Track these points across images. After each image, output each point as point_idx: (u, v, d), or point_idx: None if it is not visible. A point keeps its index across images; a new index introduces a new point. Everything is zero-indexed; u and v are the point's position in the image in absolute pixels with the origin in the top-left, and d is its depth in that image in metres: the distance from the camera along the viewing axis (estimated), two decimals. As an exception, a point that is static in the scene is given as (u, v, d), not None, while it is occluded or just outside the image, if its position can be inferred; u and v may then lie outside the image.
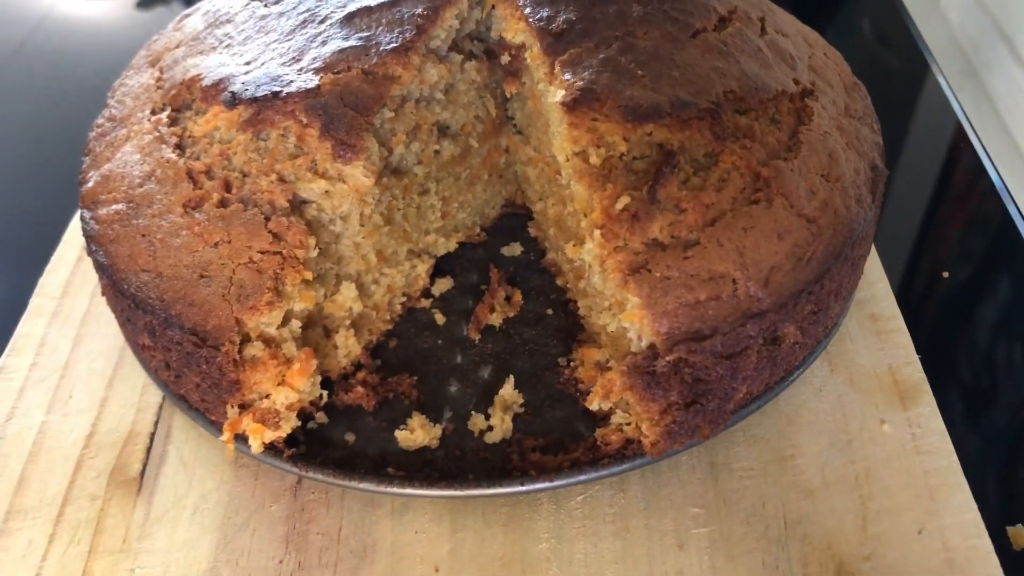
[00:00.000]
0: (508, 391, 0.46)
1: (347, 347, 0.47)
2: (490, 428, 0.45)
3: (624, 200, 0.39)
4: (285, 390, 0.42)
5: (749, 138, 0.43)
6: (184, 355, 0.42)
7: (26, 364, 0.49)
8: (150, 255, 0.43)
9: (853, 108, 0.50)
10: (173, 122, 0.46)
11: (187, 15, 0.56)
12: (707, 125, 0.41)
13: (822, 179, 0.43)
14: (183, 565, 0.41)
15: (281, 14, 0.47)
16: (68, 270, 0.54)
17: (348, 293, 0.46)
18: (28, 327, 0.51)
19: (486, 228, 0.56)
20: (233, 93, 0.43)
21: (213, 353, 0.40)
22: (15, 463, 0.44)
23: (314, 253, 0.42)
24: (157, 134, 0.46)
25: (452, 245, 0.54)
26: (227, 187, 0.42)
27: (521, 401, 0.46)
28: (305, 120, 0.42)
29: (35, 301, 0.52)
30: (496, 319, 0.50)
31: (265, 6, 0.49)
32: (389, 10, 0.45)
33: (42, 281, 0.53)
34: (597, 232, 0.40)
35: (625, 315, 0.40)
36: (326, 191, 0.42)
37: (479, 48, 0.50)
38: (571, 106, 0.40)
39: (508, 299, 0.51)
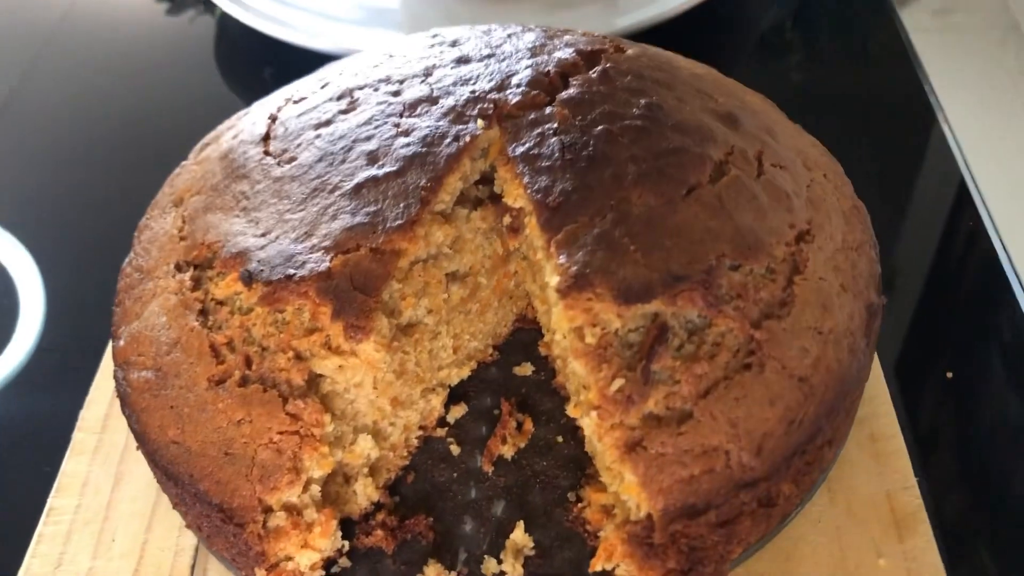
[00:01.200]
0: (519, 535, 0.48)
1: (366, 492, 0.50)
2: (503, 573, 0.48)
3: (619, 382, 0.41)
4: (308, 552, 0.45)
5: (742, 297, 0.44)
6: (213, 526, 0.45)
7: (72, 506, 0.52)
8: (179, 428, 0.46)
9: (851, 238, 0.51)
10: (196, 284, 0.49)
11: (206, 144, 0.59)
12: (700, 295, 0.43)
13: (815, 333, 0.45)
14: None
15: (293, 178, 0.49)
16: (106, 402, 0.57)
17: (365, 444, 0.48)
18: (73, 465, 0.54)
19: (498, 346, 0.58)
20: (250, 273, 0.46)
21: (239, 530, 0.43)
22: (67, 612, 0.48)
23: (330, 428, 0.44)
24: (181, 296, 0.49)
25: (465, 373, 0.56)
26: (248, 363, 0.45)
27: (531, 544, 0.49)
28: (318, 301, 0.44)
29: (77, 436, 0.56)
30: (508, 450, 0.53)
31: (278, 164, 0.51)
32: (395, 180, 0.47)
33: (83, 415, 0.57)
34: (593, 413, 0.42)
35: (623, 487, 0.42)
36: (339, 366, 0.45)
37: (485, 192, 0.52)
38: (565, 292, 0.42)
39: (519, 427, 0.54)
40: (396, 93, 0.52)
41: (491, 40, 0.56)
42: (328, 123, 0.52)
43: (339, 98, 0.53)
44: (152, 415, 0.47)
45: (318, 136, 0.51)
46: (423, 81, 0.52)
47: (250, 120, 0.57)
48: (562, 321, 0.43)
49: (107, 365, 0.59)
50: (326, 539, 0.45)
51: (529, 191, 0.45)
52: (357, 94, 0.53)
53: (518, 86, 0.50)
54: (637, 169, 0.46)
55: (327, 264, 0.45)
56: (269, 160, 0.51)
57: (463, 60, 0.53)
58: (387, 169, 0.47)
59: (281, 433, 0.43)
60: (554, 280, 0.43)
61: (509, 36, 0.56)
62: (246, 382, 0.45)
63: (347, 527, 0.49)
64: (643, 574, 0.42)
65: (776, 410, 0.43)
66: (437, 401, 0.54)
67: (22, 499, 0.55)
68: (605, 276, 0.42)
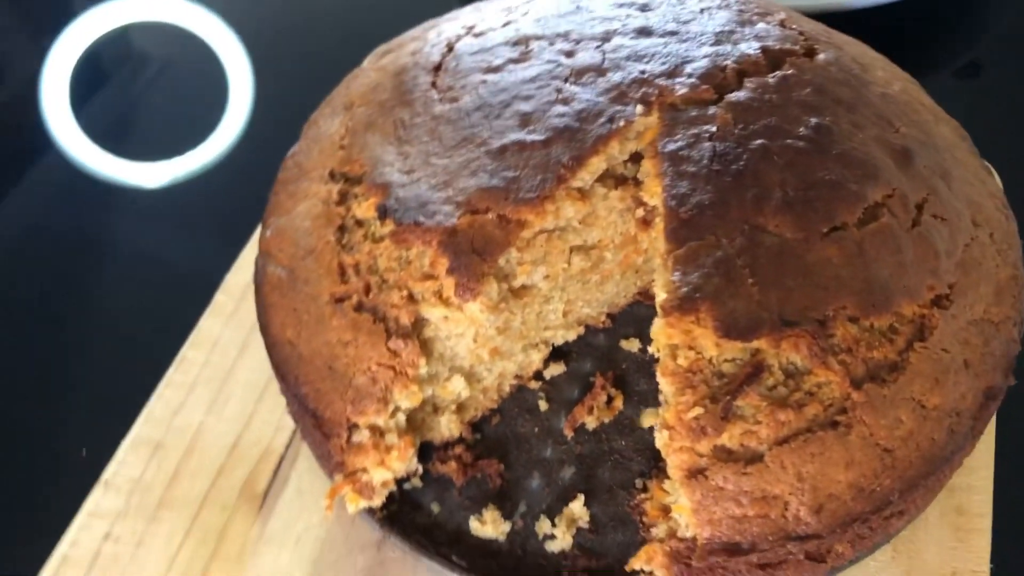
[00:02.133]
0: (577, 507, 0.51)
1: (450, 425, 0.53)
2: (553, 536, 0.50)
3: (697, 410, 0.42)
4: (383, 470, 0.49)
5: (852, 352, 0.43)
6: (306, 426, 0.49)
7: (201, 361, 0.59)
8: (296, 331, 0.50)
9: (994, 312, 0.48)
10: (342, 198, 0.52)
11: (388, 52, 0.61)
12: (807, 343, 0.42)
13: (917, 406, 0.44)
14: (273, 590, 0.50)
15: (449, 121, 0.50)
16: (249, 273, 0.62)
17: (457, 384, 0.51)
18: (209, 323, 0.60)
19: (612, 315, 0.59)
20: (385, 208, 0.48)
21: (325, 439, 0.48)
22: (174, 456, 0.55)
23: (424, 370, 0.47)
24: (327, 207, 0.52)
25: (572, 336, 0.57)
26: (367, 290, 0.48)
27: (587, 518, 0.51)
28: (439, 252, 0.46)
29: (219, 298, 0.61)
30: (592, 421, 0.54)
31: (440, 101, 0.52)
32: (540, 150, 0.47)
33: (228, 278, 0.62)
34: (665, 431, 0.43)
35: (676, 506, 0.44)
36: (445, 316, 0.47)
37: (632, 171, 0.51)
38: (668, 311, 0.42)
39: (609, 401, 0.55)
40: (569, 54, 0.52)
41: (681, 13, 0.54)
42: (496, 70, 0.52)
43: (515, 44, 0.53)
44: (276, 312, 0.51)
45: (483, 82, 0.51)
46: (598, 47, 0.52)
47: (432, 39, 0.58)
48: (660, 336, 0.43)
49: (255, 240, 0.64)
50: (402, 463, 0.49)
51: (666, 194, 0.45)
52: (532, 45, 0.53)
53: (689, 76, 0.49)
54: (783, 196, 0.45)
55: (454, 221, 0.46)
56: (434, 94, 0.53)
57: (644, 32, 0.52)
58: (535, 137, 0.48)
59: (379, 364, 0.47)
60: (661, 296, 0.43)
61: (702, 11, 0.54)
62: (360, 308, 0.48)
63: (426, 450, 0.53)
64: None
65: (849, 475, 0.42)
66: (537, 357, 0.56)
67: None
68: (714, 304, 0.42)
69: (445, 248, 0.46)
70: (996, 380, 0.47)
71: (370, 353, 0.47)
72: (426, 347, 0.48)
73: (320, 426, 0.48)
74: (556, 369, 0.57)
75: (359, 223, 0.50)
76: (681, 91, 0.48)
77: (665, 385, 0.43)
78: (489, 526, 0.50)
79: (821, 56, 0.52)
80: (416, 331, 0.47)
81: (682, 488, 0.42)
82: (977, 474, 0.53)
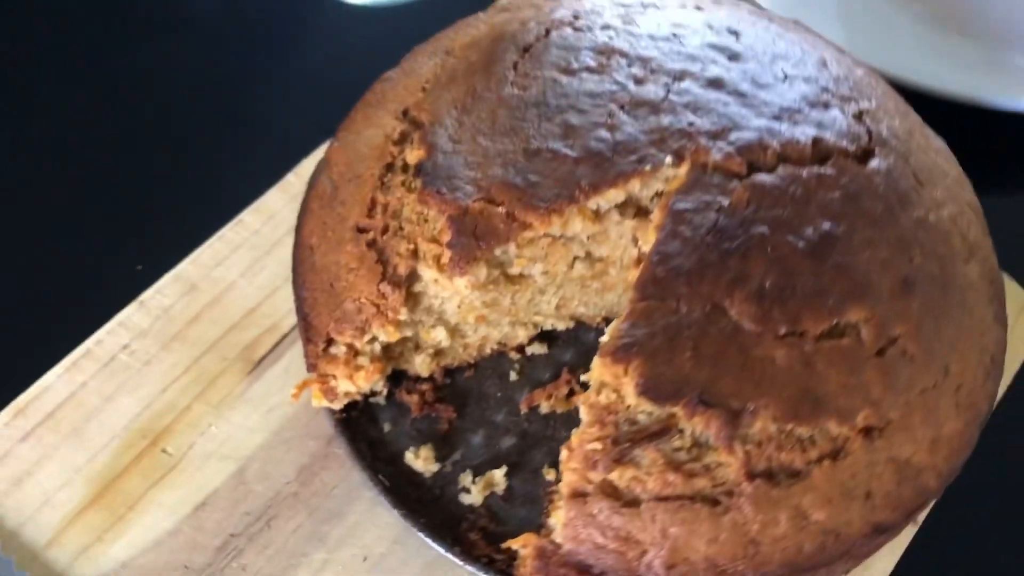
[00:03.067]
0: (499, 475, 0.57)
1: (425, 364, 0.59)
2: (469, 491, 0.57)
3: (596, 445, 0.47)
4: (348, 383, 0.56)
5: (760, 447, 0.47)
6: (299, 323, 0.57)
7: (254, 228, 0.66)
8: (318, 242, 0.56)
9: (922, 458, 0.50)
10: (402, 138, 0.57)
11: (504, 9, 0.64)
12: (718, 424, 0.46)
13: (799, 514, 0.47)
14: (237, 444, 0.58)
15: (508, 108, 0.54)
16: (320, 163, 0.69)
17: (439, 334, 0.57)
18: (272, 199, 0.68)
19: (609, 319, 0.63)
20: (421, 167, 0.53)
21: (307, 341, 0.55)
22: (202, 300, 0.63)
23: (404, 317, 0.53)
24: (386, 142, 0.57)
25: (562, 326, 0.62)
26: (384, 231, 0.54)
27: (504, 486, 0.57)
28: (446, 224, 0.51)
29: (288, 178, 0.69)
30: (547, 406, 0.60)
31: (512, 85, 0.56)
32: (567, 165, 0.51)
33: (303, 162, 0.69)
34: (565, 451, 0.48)
35: (556, 514, 0.49)
36: (435, 279, 0.53)
37: (653, 207, 0.55)
38: (604, 353, 0.47)
39: (569, 395, 0.60)
40: (639, 81, 0.54)
41: (763, 75, 0.55)
42: (570, 73, 0.55)
43: (599, 52, 0.56)
44: (311, 218, 0.58)
45: (554, 81, 0.55)
46: (666, 84, 0.54)
47: (542, 15, 0.61)
48: (594, 370, 0.48)
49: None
50: (367, 383, 0.56)
51: (654, 249, 0.49)
52: (613, 60, 0.56)
53: (731, 143, 0.51)
54: (759, 287, 0.48)
55: (468, 202, 0.51)
56: (511, 74, 0.56)
57: (716, 84, 0.54)
58: (568, 152, 0.51)
59: (367, 299, 0.53)
60: (605, 337, 0.48)
61: (786, 78, 0.55)
62: (372, 245, 0.54)
63: (400, 375, 0.60)
64: (530, 576, 0.49)
65: (710, 549, 0.47)
66: (523, 334, 0.61)
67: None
68: (645, 363, 0.46)
69: (452, 223, 0.51)
70: (893, 519, 0.49)
71: (363, 287, 0.53)
72: (414, 298, 0.54)
73: (306, 329, 0.55)
74: (538, 349, 0.62)
75: (404, 168, 0.55)
76: (716, 156, 0.51)
77: (583, 412, 0.48)
78: (421, 461, 0.57)
79: (873, 163, 0.53)
80: (408, 282, 0.53)
81: (564, 502, 0.48)
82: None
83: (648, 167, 0.51)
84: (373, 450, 0.58)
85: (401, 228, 0.53)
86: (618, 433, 0.47)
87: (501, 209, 0.51)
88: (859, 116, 0.55)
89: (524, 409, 0.60)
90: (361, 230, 0.54)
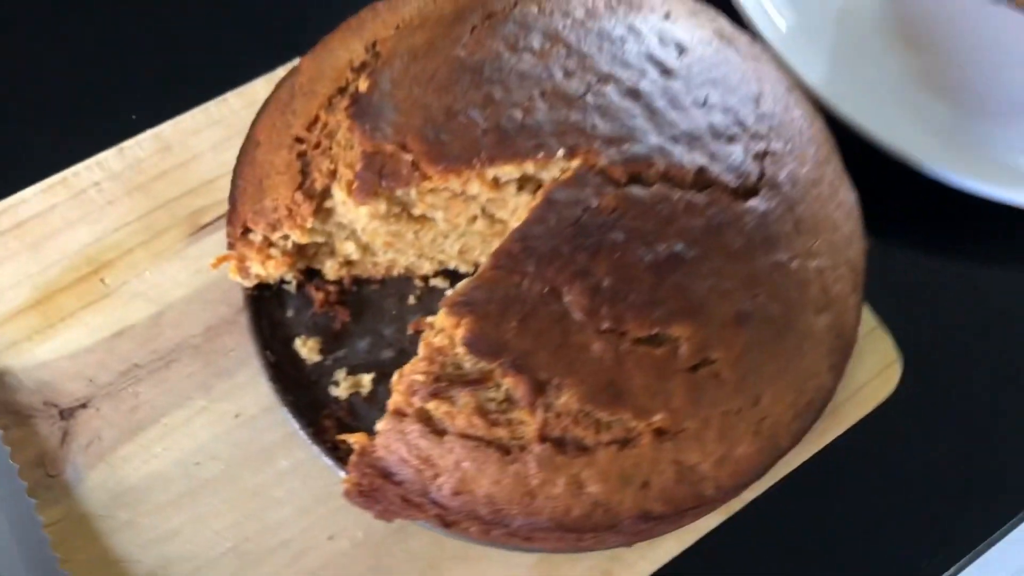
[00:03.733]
0: (368, 379, 0.65)
1: (335, 270, 0.67)
2: (338, 384, 0.65)
3: (420, 377, 0.55)
4: (258, 267, 0.64)
5: (559, 418, 0.54)
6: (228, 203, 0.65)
7: (235, 108, 0.74)
8: (265, 139, 0.64)
9: (705, 468, 0.56)
10: (362, 67, 0.64)
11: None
12: (525, 388, 0.53)
13: (576, 483, 0.54)
14: (163, 291, 0.68)
15: (450, 66, 0.60)
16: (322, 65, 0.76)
17: (349, 247, 0.65)
18: (258, 86, 0.75)
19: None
20: (355, 99, 0.60)
21: (228, 223, 0.63)
22: (171, 161, 0.71)
23: (310, 225, 0.61)
24: (347, 68, 0.64)
25: (466, 269, 0.69)
26: (316, 146, 0.61)
27: (369, 389, 0.65)
28: (359, 157, 0.58)
29: (278, 71, 0.76)
30: (430, 334, 0.67)
31: (463, 45, 0.61)
32: (475, 132, 0.57)
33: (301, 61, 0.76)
34: (396, 374, 0.56)
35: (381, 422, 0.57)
36: (343, 201, 0.60)
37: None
38: (445, 303, 0.54)
39: (448, 330, 0.67)
40: (568, 74, 0.59)
41: (684, 99, 0.60)
42: (515, 50, 0.60)
43: (546, 37, 0.61)
44: (266, 116, 0.65)
45: (497, 55, 0.60)
46: (590, 84, 0.59)
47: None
48: (438, 316, 0.55)
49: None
50: (276, 272, 0.64)
51: (520, 228, 0.55)
52: (556, 48, 0.60)
53: (621, 153, 0.56)
54: (597, 284, 0.54)
55: (384, 143, 0.58)
56: (465, 38, 0.61)
57: (634, 94, 0.59)
58: (479, 122, 0.57)
59: (283, 203, 0.60)
60: (452, 290, 0.55)
61: (705, 104, 0.60)
62: (302, 156, 0.61)
63: (314, 272, 0.68)
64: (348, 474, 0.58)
65: (492, 488, 0.54)
66: (428, 267, 0.68)
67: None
68: (475, 322, 0.53)
69: (364, 157, 0.58)
70: (663, 511, 0.56)
71: (283, 191, 0.61)
72: (325, 212, 0.61)
73: (231, 212, 0.63)
74: (440, 283, 0.69)
75: (352, 95, 0.62)
76: (603, 161, 0.56)
77: (420, 348, 0.56)
78: (306, 350, 0.66)
79: (752, 202, 0.58)
80: (321, 197, 0.60)
81: (386, 417, 0.56)
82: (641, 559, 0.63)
83: (542, 154, 0.56)
84: (272, 329, 0.66)
85: (330, 148, 0.60)
86: (442, 372, 0.54)
87: (408, 157, 0.57)
88: (760, 155, 0.60)
89: (411, 331, 0.67)
90: (298, 140, 0.62)
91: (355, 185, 0.58)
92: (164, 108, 0.74)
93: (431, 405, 0.54)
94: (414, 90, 0.60)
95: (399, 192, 0.58)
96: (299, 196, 0.60)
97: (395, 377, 0.56)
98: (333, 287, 0.68)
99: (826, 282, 0.61)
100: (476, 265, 0.69)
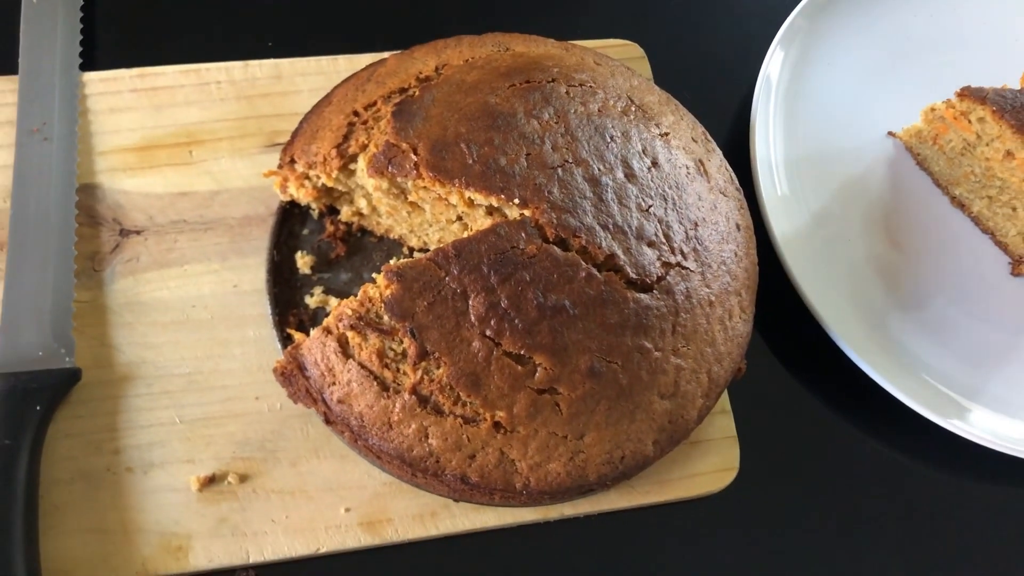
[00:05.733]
0: (332, 301, 0.85)
1: (348, 215, 0.87)
2: (312, 295, 0.85)
3: (348, 312, 0.74)
4: (295, 188, 0.84)
5: (432, 383, 0.72)
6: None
7: (343, 70, 0.95)
8: (337, 103, 0.83)
9: (522, 466, 0.74)
10: (425, 79, 0.83)
11: (591, 55, 0.87)
12: (414, 352, 0.72)
13: (421, 430, 0.73)
14: (227, 174, 0.89)
15: (480, 107, 0.79)
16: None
17: (362, 203, 0.84)
18: (363, 59, 0.96)
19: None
20: (400, 102, 0.79)
21: (283, 150, 0.84)
22: (283, 86, 0.93)
23: (335, 176, 0.80)
24: (410, 76, 0.83)
25: (441, 254, 0.87)
26: (364, 122, 0.81)
27: (330, 308, 0.85)
28: (384, 145, 0.78)
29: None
30: (394, 289, 0.86)
31: (497, 94, 0.80)
32: (467, 163, 0.76)
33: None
34: (335, 304, 0.75)
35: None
36: (362, 169, 0.79)
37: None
38: (383, 269, 0.73)
39: (412, 294, 0.86)
40: (555, 148, 0.77)
41: (635, 201, 0.77)
42: (529, 115, 0.78)
43: (557, 113, 0.79)
44: (348, 86, 0.84)
45: (514, 113, 0.78)
46: (566, 162, 0.76)
47: (578, 71, 0.84)
48: (380, 275, 0.74)
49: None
50: (305, 198, 0.83)
51: (464, 239, 0.73)
52: (559, 125, 0.78)
53: (559, 220, 0.73)
54: (495, 302, 0.71)
55: (403, 141, 0.77)
56: (504, 91, 0.80)
57: (593, 182, 0.76)
58: (472, 155, 0.75)
59: (323, 153, 0.80)
60: (391, 262, 0.74)
61: (649, 213, 0.77)
62: (351, 125, 0.80)
63: (336, 210, 0.88)
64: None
65: (364, 409, 0.73)
66: (415, 241, 0.87)
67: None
68: (399, 290, 0.71)
69: (385, 146, 0.77)
70: (478, 483, 0.74)
71: (327, 144, 0.80)
72: (349, 172, 0.81)
73: (289, 143, 0.83)
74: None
75: (403, 98, 0.81)
76: (543, 219, 0.74)
77: (359, 290, 0.75)
78: (302, 262, 0.86)
79: (643, 295, 0.74)
80: (349, 160, 0.80)
81: (318, 327, 0.75)
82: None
83: (503, 196, 0.74)
84: (288, 236, 0.87)
85: (372, 128, 0.80)
86: (365, 315, 0.73)
87: (414, 157, 0.76)
88: (670, 266, 0.76)
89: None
90: (355, 112, 0.81)
91: (371, 161, 0.77)
92: (295, 47, 0.95)
93: (350, 334, 0.73)
94: (445, 112, 0.78)
95: (399, 179, 0.77)
96: (334, 152, 0.79)
97: (332, 305, 0.76)
98: (343, 226, 0.87)
99: (680, 379, 0.76)
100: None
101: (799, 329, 0.90)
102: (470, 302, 0.71)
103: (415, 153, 0.76)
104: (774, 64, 0.95)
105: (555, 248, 0.73)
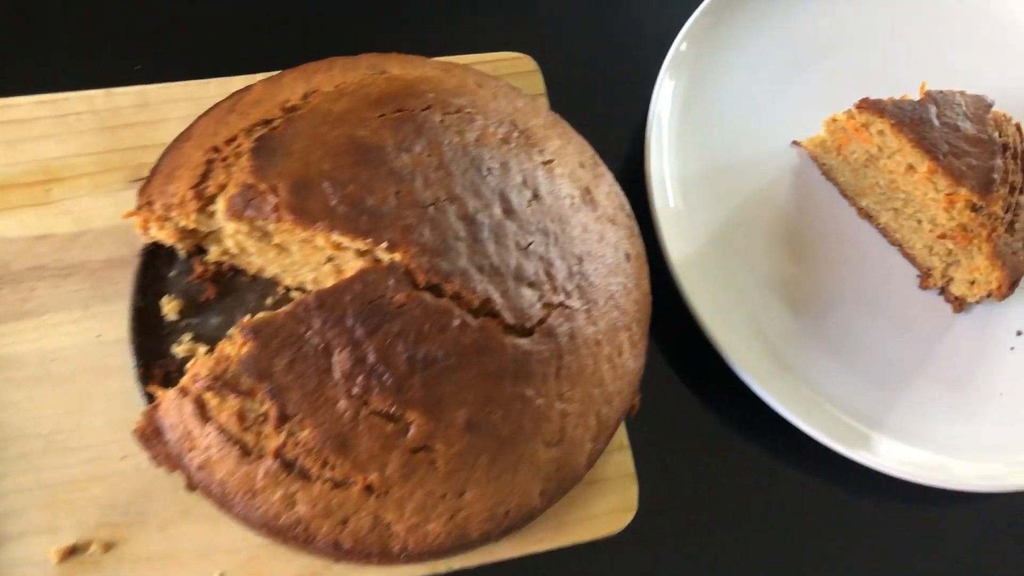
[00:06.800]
0: (200, 350, 0.79)
1: (217, 255, 0.81)
2: (181, 343, 0.80)
3: (204, 371, 0.68)
4: (155, 230, 0.78)
5: (298, 445, 0.67)
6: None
7: (214, 95, 0.89)
8: (197, 136, 0.78)
9: (398, 530, 0.70)
10: (291, 108, 0.77)
11: (475, 76, 0.82)
12: (275, 414, 0.67)
13: (286, 496, 0.68)
14: (89, 214, 0.83)
15: (347, 140, 0.73)
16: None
17: (230, 243, 0.79)
18: (233, 83, 0.89)
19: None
20: (261, 137, 0.74)
21: (140, 191, 0.77)
22: (149, 115, 0.87)
23: (193, 219, 0.75)
24: (277, 106, 0.78)
25: (318, 294, 0.82)
26: (224, 159, 0.75)
27: (202, 352, 0.79)
28: (240, 182, 0.72)
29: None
30: (269, 333, 0.81)
31: (367, 125, 0.74)
32: (332, 203, 0.71)
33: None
34: (192, 362, 0.70)
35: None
36: (222, 210, 0.74)
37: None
38: (239, 326, 0.68)
39: (289, 337, 0.81)
40: (428, 184, 0.72)
41: (512, 239, 0.72)
42: (401, 148, 0.73)
43: (430, 144, 0.74)
44: (209, 117, 0.78)
45: (383, 147, 0.73)
46: (439, 199, 0.71)
47: (456, 95, 0.79)
48: (235, 330, 0.69)
49: None
50: (168, 239, 0.78)
51: (326, 289, 0.68)
52: (430, 159, 0.73)
53: (431, 264, 0.69)
54: (362, 357, 0.66)
55: (262, 181, 0.71)
56: (374, 122, 0.75)
57: (468, 220, 0.71)
58: (336, 194, 0.70)
59: (180, 194, 0.74)
60: (248, 317, 0.68)
61: (528, 251, 0.72)
62: (209, 163, 0.75)
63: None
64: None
65: (225, 476, 0.68)
66: (289, 281, 0.82)
67: None
68: (256, 347, 0.66)
69: (242, 186, 0.72)
70: (351, 549, 0.69)
71: (184, 185, 0.74)
72: (209, 213, 0.75)
73: (146, 183, 0.77)
74: (297, 295, 0.82)
75: (265, 132, 0.76)
76: (413, 264, 0.69)
77: (216, 348, 0.69)
78: (168, 307, 0.80)
79: (522, 340, 0.70)
80: (207, 202, 0.74)
81: (174, 388, 0.70)
82: None
83: (371, 239, 0.69)
84: (153, 279, 0.81)
85: (232, 166, 0.74)
86: (222, 374, 0.68)
87: (274, 199, 0.71)
88: (552, 306, 0.72)
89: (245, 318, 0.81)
90: (215, 148, 0.75)
91: (228, 203, 0.72)
92: (165, 71, 0.89)
93: (208, 395, 0.68)
94: (310, 147, 0.73)
95: (259, 223, 0.72)
96: (191, 193, 0.74)
97: (189, 364, 0.70)
98: (213, 266, 0.82)
99: (566, 425, 0.72)
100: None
101: (700, 355, 0.86)
102: (334, 358, 0.66)
103: (275, 194, 0.71)
104: (666, 83, 0.91)
105: (427, 295, 0.68)
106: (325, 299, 0.67)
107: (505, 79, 0.89)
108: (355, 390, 0.66)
